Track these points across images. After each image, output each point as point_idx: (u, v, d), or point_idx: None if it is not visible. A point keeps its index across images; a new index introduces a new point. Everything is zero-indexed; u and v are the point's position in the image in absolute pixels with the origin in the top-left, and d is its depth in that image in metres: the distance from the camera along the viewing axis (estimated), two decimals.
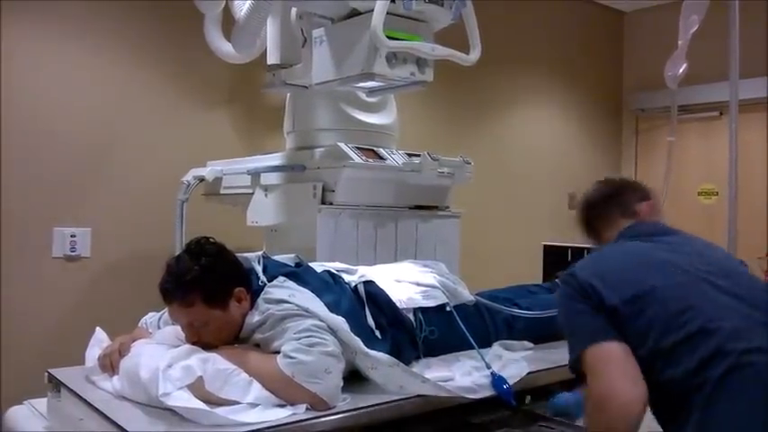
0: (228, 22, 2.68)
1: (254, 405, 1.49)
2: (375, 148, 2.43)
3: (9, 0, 2.70)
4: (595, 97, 5.12)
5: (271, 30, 2.47)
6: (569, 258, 2.86)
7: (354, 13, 2.13)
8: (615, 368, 1.36)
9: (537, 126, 4.74)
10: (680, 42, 2.36)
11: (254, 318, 1.68)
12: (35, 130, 2.79)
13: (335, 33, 2.19)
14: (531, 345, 2.15)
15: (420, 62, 2.14)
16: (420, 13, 2.12)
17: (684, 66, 2.34)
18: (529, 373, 1.86)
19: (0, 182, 2.70)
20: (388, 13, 1.96)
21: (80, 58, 2.90)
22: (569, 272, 1.53)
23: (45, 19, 2.80)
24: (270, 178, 2.53)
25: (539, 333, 2.19)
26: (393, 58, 2.07)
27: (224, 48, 2.84)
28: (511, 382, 1.77)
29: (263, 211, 2.53)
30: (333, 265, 2.00)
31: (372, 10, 1.95)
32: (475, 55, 2.17)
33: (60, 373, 1.74)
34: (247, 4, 2.31)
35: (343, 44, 2.14)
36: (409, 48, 2.07)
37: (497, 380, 1.75)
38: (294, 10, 2.39)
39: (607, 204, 1.75)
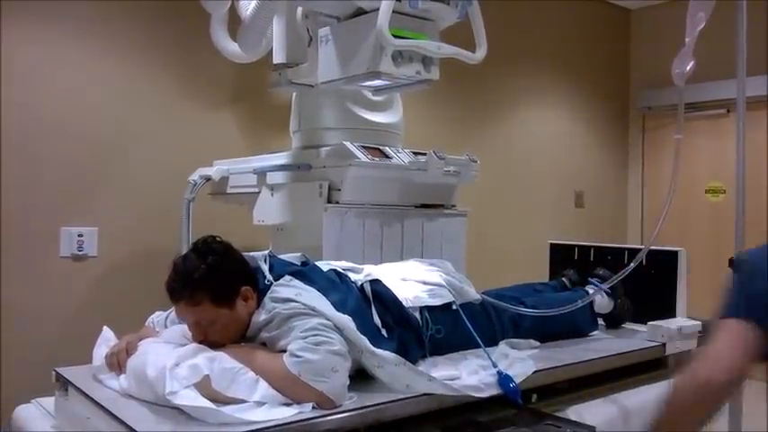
0: (234, 22, 2.69)
1: (260, 404, 1.49)
2: (381, 147, 2.43)
3: (12, 0, 2.71)
4: (602, 95, 5.10)
5: (277, 29, 2.47)
6: (576, 257, 2.85)
7: (360, 12, 2.13)
8: (737, 339, 1.30)
9: (543, 124, 4.72)
10: (687, 39, 2.34)
11: (261, 316, 1.68)
12: (42, 131, 2.80)
13: (341, 32, 2.19)
14: (537, 343, 2.15)
15: (426, 61, 2.14)
16: (426, 12, 2.12)
17: (692, 63, 2.33)
18: (535, 372, 1.85)
19: (3, 182, 2.71)
20: (393, 12, 1.96)
21: (86, 58, 2.91)
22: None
23: (52, 20, 2.81)
24: (276, 177, 2.53)
25: (545, 331, 2.19)
26: (399, 57, 2.07)
27: (230, 47, 2.84)
28: (517, 380, 1.76)
29: (269, 210, 2.53)
30: (339, 264, 1.99)
31: (378, 9, 1.95)
32: (481, 53, 2.17)
33: (68, 372, 1.74)
34: (253, 4, 2.31)
35: (349, 43, 2.14)
36: (415, 46, 2.07)
37: (504, 378, 1.75)
38: (300, 9, 2.40)
39: None
